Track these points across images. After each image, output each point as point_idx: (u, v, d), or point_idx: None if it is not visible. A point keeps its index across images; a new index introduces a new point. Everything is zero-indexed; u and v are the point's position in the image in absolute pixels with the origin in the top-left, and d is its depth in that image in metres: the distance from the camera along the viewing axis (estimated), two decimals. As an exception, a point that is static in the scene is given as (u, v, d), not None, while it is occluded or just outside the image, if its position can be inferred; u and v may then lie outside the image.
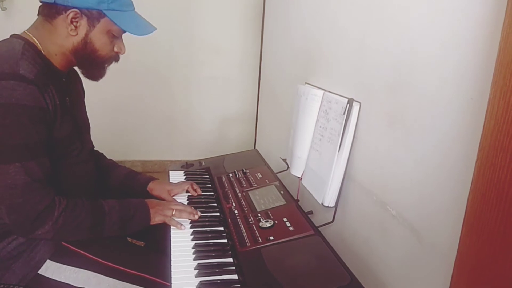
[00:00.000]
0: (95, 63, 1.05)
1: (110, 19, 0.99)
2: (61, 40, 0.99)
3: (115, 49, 1.06)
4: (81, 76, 1.13)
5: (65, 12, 0.96)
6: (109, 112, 2.77)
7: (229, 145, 2.97)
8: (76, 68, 1.11)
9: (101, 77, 1.10)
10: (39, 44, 0.98)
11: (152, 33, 1.07)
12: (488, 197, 0.60)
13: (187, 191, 1.29)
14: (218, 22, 2.79)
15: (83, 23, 0.98)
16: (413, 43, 0.89)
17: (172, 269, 0.91)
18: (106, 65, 1.08)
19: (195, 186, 1.31)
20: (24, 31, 1.00)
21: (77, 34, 0.99)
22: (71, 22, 0.97)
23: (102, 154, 1.38)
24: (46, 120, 0.93)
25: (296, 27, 1.73)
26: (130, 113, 2.86)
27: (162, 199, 1.25)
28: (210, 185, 1.38)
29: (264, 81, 2.45)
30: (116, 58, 1.10)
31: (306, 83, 1.50)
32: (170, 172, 1.47)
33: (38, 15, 1.01)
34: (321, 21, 1.43)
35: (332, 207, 1.20)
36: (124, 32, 1.05)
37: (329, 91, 1.27)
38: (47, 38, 0.99)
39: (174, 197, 1.26)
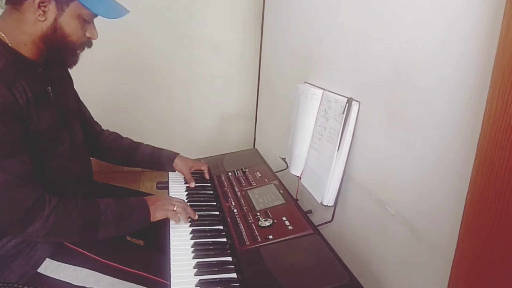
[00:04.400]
0: (66, 50, 1.01)
1: (80, 2, 0.95)
2: (29, 27, 0.95)
3: (87, 34, 1.03)
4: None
5: None
6: (108, 110, 2.76)
7: (228, 144, 2.97)
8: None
9: (74, 64, 1.07)
10: (5, 37, 0.95)
11: (124, 16, 1.03)
12: (487, 195, 0.61)
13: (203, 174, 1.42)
14: (218, 20, 2.79)
15: (51, 7, 0.94)
16: (412, 42, 0.89)
17: (171, 268, 0.91)
18: (78, 51, 1.04)
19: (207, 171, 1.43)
20: None
21: (45, 19, 0.95)
22: (39, 6, 0.93)
23: (116, 133, 1.40)
24: (17, 115, 0.90)
25: (296, 26, 1.73)
26: (129, 112, 2.85)
27: (185, 175, 1.38)
28: (209, 184, 1.38)
29: (264, 80, 2.45)
30: (88, 43, 1.06)
31: (305, 82, 1.50)
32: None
33: (5, 4, 0.97)
34: (321, 20, 1.43)
35: (331, 206, 1.20)
36: (95, 16, 1.02)
37: (328, 90, 1.27)
38: (15, 27, 0.96)
39: (174, 196, 1.25)
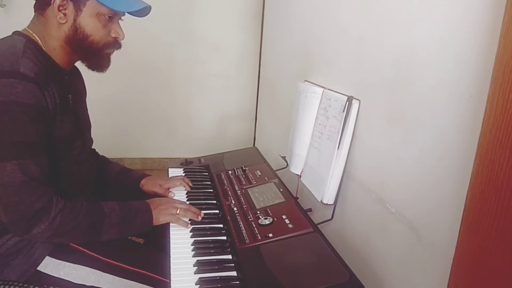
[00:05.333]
0: (91, 51, 1.02)
1: (96, 0, 0.96)
2: (55, 31, 0.98)
3: (112, 34, 1.03)
4: (87, 70, 1.10)
5: (53, 1, 0.95)
6: (108, 109, 2.77)
7: (228, 142, 2.97)
8: (79, 62, 1.08)
9: (106, 67, 1.07)
10: (39, 41, 0.98)
11: (144, 9, 1.02)
12: (487, 194, 0.61)
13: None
14: (218, 19, 2.79)
15: (70, 8, 0.96)
16: (412, 40, 0.89)
17: (171, 266, 0.91)
18: (105, 52, 1.04)
19: (187, 180, 1.32)
20: (25, 28, 1.00)
21: (66, 21, 0.97)
22: (59, 9, 0.95)
23: (94, 150, 1.36)
24: (45, 118, 0.93)
25: (296, 25, 1.73)
26: (130, 111, 2.86)
27: (155, 193, 1.28)
28: (209, 183, 1.38)
29: (264, 79, 2.45)
30: (115, 44, 1.06)
31: (305, 80, 1.50)
32: (170, 169, 1.46)
33: (34, 11, 1.00)
34: (321, 19, 1.43)
35: (331, 204, 1.20)
36: (118, 14, 1.02)
37: (328, 89, 1.27)
38: (44, 32, 0.98)
39: (175, 196, 1.25)
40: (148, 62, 2.75)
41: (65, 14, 0.97)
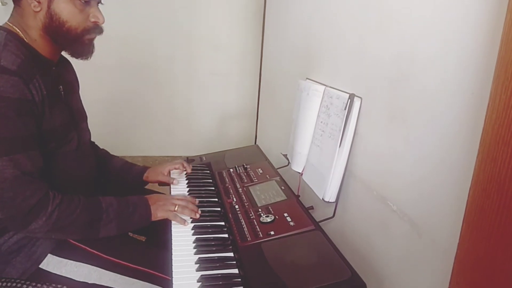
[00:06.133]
0: (70, 38, 0.99)
1: None
2: (32, 21, 0.96)
3: (91, 19, 1.00)
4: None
5: None
6: (109, 108, 2.77)
7: (229, 141, 2.97)
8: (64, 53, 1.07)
9: (89, 54, 1.05)
10: (20, 33, 0.96)
11: None
12: (489, 191, 0.60)
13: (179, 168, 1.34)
14: (219, 17, 2.78)
15: None
16: (414, 37, 0.89)
17: (173, 263, 0.91)
18: (85, 38, 1.01)
19: (186, 164, 1.34)
20: (5, 22, 0.98)
21: (41, 9, 0.95)
22: None
23: (94, 143, 1.36)
24: (32, 111, 0.91)
25: (297, 23, 1.72)
26: (131, 109, 2.85)
27: (160, 182, 1.30)
28: (211, 180, 1.38)
29: (265, 77, 2.45)
30: (95, 29, 1.02)
31: (307, 78, 1.49)
32: (171, 167, 1.47)
33: (13, 4, 0.98)
34: (322, 16, 1.43)
35: (333, 202, 1.20)
36: None
37: (330, 87, 1.27)
38: (23, 23, 0.97)
39: (175, 194, 1.25)
40: (149, 61, 2.75)
41: (39, 2, 0.94)
